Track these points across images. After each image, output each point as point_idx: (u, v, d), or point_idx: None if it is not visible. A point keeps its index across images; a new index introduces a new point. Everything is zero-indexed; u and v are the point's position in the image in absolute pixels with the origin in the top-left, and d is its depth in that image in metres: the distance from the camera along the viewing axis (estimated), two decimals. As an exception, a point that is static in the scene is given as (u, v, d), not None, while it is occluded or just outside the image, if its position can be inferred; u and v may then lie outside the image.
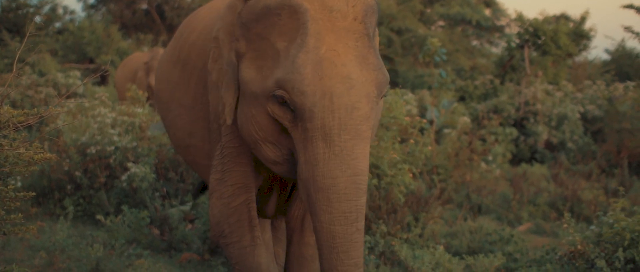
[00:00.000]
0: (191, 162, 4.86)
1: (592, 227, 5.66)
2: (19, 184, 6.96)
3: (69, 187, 7.67)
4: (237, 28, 3.67)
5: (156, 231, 6.84)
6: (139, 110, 8.72)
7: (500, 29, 25.93)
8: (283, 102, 3.37)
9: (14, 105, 12.41)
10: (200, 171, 4.83)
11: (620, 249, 5.20)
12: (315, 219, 3.34)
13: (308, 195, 3.37)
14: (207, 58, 4.21)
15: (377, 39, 3.84)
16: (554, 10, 53.89)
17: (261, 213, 4.56)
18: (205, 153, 4.50)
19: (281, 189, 4.42)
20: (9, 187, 3.30)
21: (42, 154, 3.31)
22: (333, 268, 3.33)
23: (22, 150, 3.23)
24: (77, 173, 7.64)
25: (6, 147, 3.17)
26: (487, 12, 25.94)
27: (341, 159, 3.25)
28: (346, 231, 3.27)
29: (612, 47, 20.09)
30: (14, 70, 3.47)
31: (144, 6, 28.78)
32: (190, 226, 6.99)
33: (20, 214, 3.40)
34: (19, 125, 3.17)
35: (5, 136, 3.26)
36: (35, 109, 3.33)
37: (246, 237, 4.08)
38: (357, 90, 3.28)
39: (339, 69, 3.28)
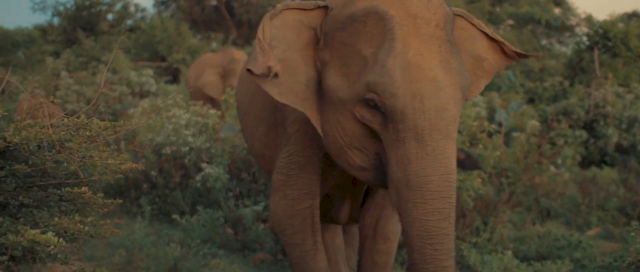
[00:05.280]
0: (268, 171, 4.98)
1: (660, 236, 5.64)
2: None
3: (144, 186, 7.90)
4: (321, 38, 3.77)
5: (230, 231, 6.98)
6: (212, 111, 8.88)
7: (570, 28, 25.60)
8: (374, 106, 3.47)
9: (88, 102, 12.72)
10: None
11: (689, 259, 5.19)
12: (406, 215, 3.40)
13: (399, 193, 3.43)
14: None
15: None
16: (625, 7, 53.02)
17: (334, 220, 4.68)
18: None
19: (354, 197, 4.53)
20: (98, 195, 3.46)
21: (128, 164, 3.47)
22: (428, 258, 3.36)
23: (110, 161, 3.39)
24: (153, 172, 7.86)
25: (96, 159, 3.33)
26: (557, 11, 25.63)
27: (434, 158, 3.33)
28: (440, 225, 3.33)
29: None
30: (103, 79, 3.64)
31: (214, 2, 28.99)
32: (263, 226, 7.11)
33: (108, 221, 3.55)
34: (107, 137, 3.33)
35: (95, 148, 3.42)
36: (121, 121, 3.47)
37: (309, 241, 4.24)
38: (445, 93, 3.38)
39: (426, 72, 3.38)
